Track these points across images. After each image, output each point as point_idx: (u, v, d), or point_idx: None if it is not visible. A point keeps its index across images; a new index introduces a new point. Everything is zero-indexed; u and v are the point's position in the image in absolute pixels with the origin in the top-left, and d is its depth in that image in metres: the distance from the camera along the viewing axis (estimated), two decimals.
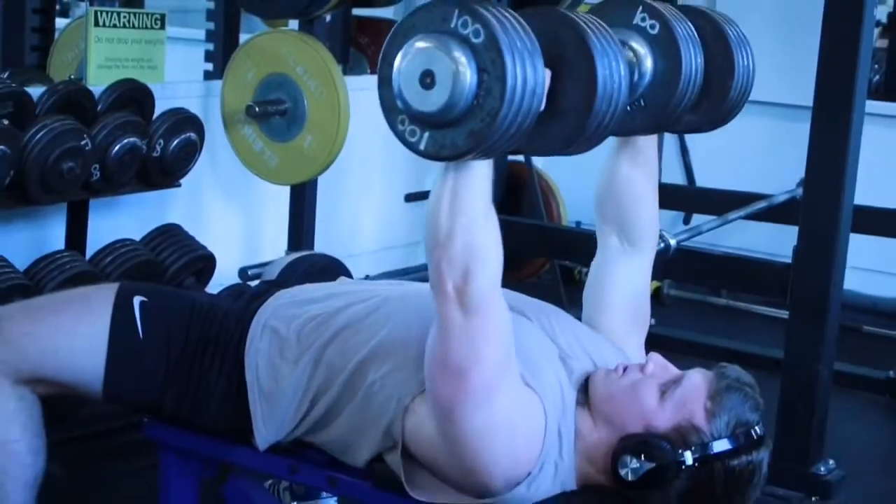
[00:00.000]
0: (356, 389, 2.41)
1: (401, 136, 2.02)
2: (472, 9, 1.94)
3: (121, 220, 4.00)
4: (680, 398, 2.28)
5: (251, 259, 4.46)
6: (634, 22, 2.41)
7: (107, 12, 4.11)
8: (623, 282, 2.62)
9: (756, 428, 2.28)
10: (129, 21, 4.17)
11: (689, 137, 6.22)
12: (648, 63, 2.40)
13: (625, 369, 2.38)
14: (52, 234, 3.87)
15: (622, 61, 2.16)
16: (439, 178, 2.09)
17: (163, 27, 4.29)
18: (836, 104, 3.61)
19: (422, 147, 2.00)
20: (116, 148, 3.70)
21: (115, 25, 4.12)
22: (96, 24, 4.07)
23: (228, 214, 4.65)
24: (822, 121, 3.64)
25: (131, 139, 3.73)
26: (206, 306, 2.60)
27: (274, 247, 4.57)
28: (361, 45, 5.31)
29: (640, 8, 2.42)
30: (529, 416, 2.26)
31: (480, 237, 2.10)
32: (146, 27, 4.23)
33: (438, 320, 2.17)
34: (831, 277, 3.66)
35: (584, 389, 2.39)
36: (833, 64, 3.61)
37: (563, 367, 2.40)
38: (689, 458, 2.23)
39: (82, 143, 3.57)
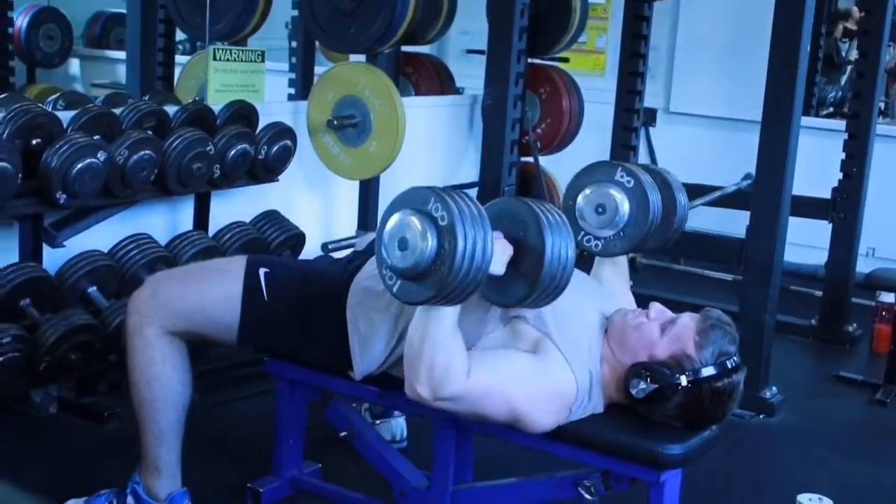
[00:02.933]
0: None
1: (383, 279, 2.18)
2: (443, 199, 2.09)
3: (234, 207, 3.97)
4: (675, 334, 2.31)
5: (329, 235, 4.43)
6: (615, 178, 2.63)
7: (222, 50, 4.08)
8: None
9: (734, 357, 2.29)
10: (238, 56, 4.14)
11: (656, 145, 6.14)
12: (626, 207, 2.61)
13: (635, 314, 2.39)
14: (183, 217, 3.84)
15: (570, 244, 2.23)
16: (416, 314, 2.22)
17: (263, 60, 4.25)
18: (780, 120, 3.58)
19: (395, 291, 2.16)
20: (232, 152, 3.67)
21: (228, 59, 4.09)
22: (214, 58, 4.05)
23: (312, 202, 4.61)
24: (769, 132, 3.62)
25: (243, 146, 3.71)
26: (315, 273, 2.59)
27: (347, 226, 4.55)
28: (407, 74, 5.26)
29: (620, 168, 2.65)
30: (563, 380, 2.31)
31: (441, 357, 2.19)
32: (251, 61, 4.19)
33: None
34: (775, 249, 3.65)
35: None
36: (778, 91, 3.58)
37: (594, 316, 2.40)
38: (683, 380, 2.26)
39: (207, 148, 3.55)
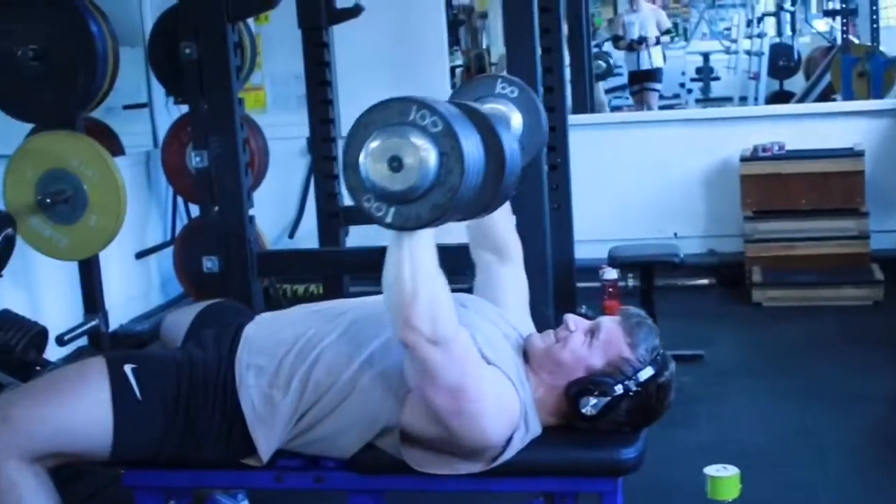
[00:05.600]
0: (347, 394, 2.20)
1: (367, 212, 1.89)
2: (429, 105, 1.86)
3: None
4: (605, 340, 2.25)
5: (55, 326, 3.97)
6: (496, 91, 2.40)
7: None
8: (508, 283, 2.53)
9: (661, 349, 2.26)
10: None
11: None
12: (518, 119, 2.39)
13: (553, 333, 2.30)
14: None
15: (516, 139, 2.12)
16: (392, 249, 1.97)
17: None
18: None
19: (388, 220, 1.89)
20: None
21: None
22: None
23: (20, 293, 4.14)
24: None
25: None
26: (187, 359, 2.29)
27: (69, 312, 4.12)
28: None
29: (500, 80, 2.42)
30: (506, 392, 2.16)
31: (438, 288, 1.99)
32: None
33: (419, 365, 2.03)
34: (545, 245, 3.71)
35: (523, 355, 2.29)
36: None
37: (507, 343, 2.27)
38: (632, 385, 2.19)
39: None
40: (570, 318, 2.31)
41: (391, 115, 1.85)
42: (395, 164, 1.82)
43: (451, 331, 2.00)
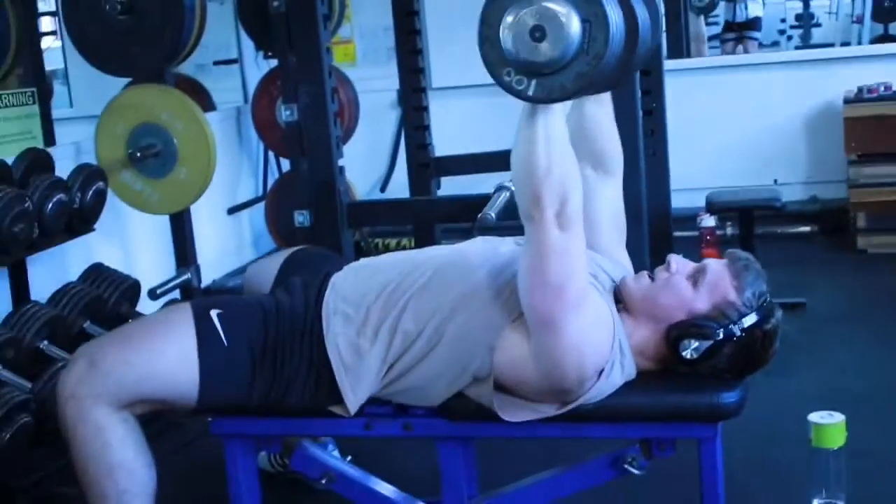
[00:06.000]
0: (435, 343, 2.14)
1: (507, 86, 1.80)
2: None
3: (44, 270, 3.50)
4: (711, 283, 2.14)
5: (146, 279, 4.00)
6: None
7: None
8: (605, 204, 2.41)
9: (768, 295, 2.15)
10: (9, 101, 3.63)
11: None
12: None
13: (650, 274, 2.20)
14: None
15: (648, 14, 1.98)
16: (525, 125, 1.89)
17: (35, 102, 3.76)
18: None
19: (530, 93, 1.80)
20: (50, 206, 3.21)
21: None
22: None
23: (123, 246, 4.18)
24: None
25: (59, 196, 3.25)
26: (273, 305, 2.25)
27: (161, 266, 4.14)
28: None
29: None
30: (604, 315, 2.09)
31: (570, 166, 1.93)
32: (23, 104, 3.70)
33: (535, 246, 1.95)
34: (641, 191, 3.61)
35: (615, 299, 2.20)
36: None
37: (599, 284, 2.19)
38: (736, 330, 2.09)
39: (26, 206, 3.07)
40: (674, 259, 2.21)
41: None
42: (538, 34, 1.74)
43: (576, 214, 1.94)
